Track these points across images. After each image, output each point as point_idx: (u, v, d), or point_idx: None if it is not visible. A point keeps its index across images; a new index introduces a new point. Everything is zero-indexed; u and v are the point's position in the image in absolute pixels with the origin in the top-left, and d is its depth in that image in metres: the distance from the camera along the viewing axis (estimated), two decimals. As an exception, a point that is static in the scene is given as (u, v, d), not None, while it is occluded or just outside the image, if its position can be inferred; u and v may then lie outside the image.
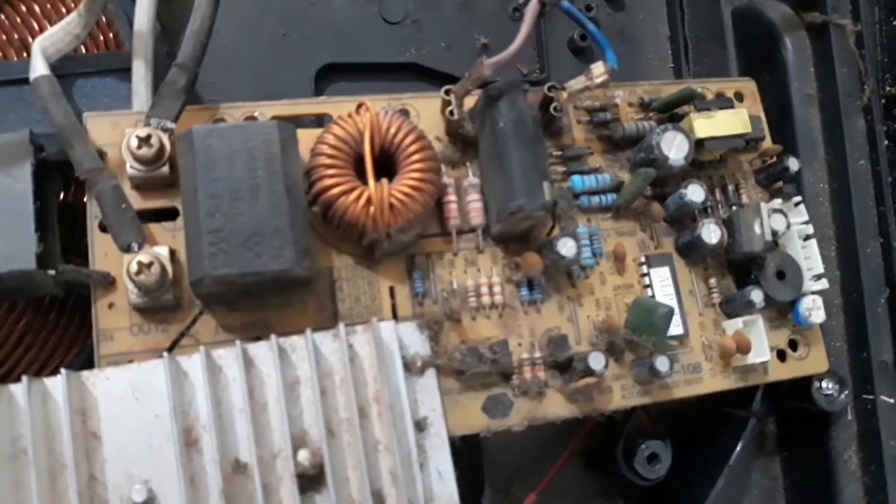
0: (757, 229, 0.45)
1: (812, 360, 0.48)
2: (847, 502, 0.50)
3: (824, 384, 0.49)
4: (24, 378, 0.35)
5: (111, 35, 0.47)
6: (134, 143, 0.40)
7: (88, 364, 0.40)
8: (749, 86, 0.53)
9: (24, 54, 0.47)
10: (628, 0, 0.62)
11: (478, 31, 0.59)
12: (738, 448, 0.47)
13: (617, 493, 0.58)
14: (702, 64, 0.62)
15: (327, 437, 0.37)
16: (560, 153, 0.48)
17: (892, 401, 0.48)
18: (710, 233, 0.45)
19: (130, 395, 0.37)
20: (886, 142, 0.52)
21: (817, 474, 0.51)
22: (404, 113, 0.46)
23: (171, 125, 0.41)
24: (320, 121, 0.47)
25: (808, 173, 0.53)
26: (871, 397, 0.49)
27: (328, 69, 0.57)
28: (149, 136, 0.40)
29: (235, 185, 0.38)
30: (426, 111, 0.47)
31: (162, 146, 0.41)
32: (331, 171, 0.40)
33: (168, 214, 0.42)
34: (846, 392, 0.49)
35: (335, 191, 0.40)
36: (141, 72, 0.44)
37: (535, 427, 0.44)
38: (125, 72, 0.45)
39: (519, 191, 0.42)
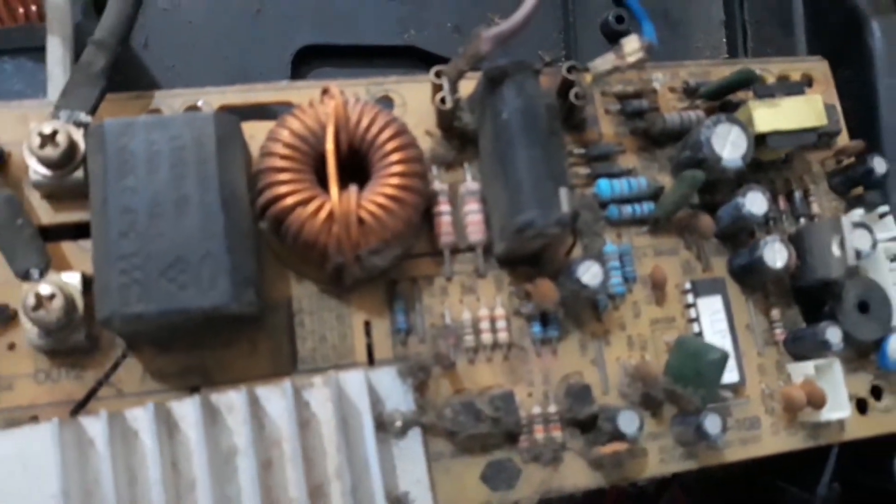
0: (835, 250, 0.35)
1: (902, 415, 0.38)
2: None
3: None
4: None
5: (33, 7, 0.39)
6: (36, 141, 0.31)
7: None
8: (820, 67, 0.43)
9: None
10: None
11: (491, 10, 0.49)
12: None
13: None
14: (763, 55, 0.51)
15: (268, 531, 0.28)
16: (583, 151, 0.38)
17: None
18: (775, 254, 0.36)
19: (19, 468, 0.28)
20: None
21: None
22: (386, 102, 0.37)
23: (85, 118, 0.32)
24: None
25: (897, 181, 0.42)
26: None
27: (309, 52, 0.48)
28: (55, 133, 0.32)
29: (156, 197, 0.30)
30: (415, 99, 0.38)
31: (72, 145, 0.32)
32: (283, 177, 0.31)
33: (87, 230, 0.34)
34: None
35: (288, 201, 0.31)
36: (57, 51, 0.35)
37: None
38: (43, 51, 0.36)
39: (528, 201, 0.32)
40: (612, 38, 0.48)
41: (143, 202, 0.29)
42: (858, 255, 0.36)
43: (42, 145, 0.31)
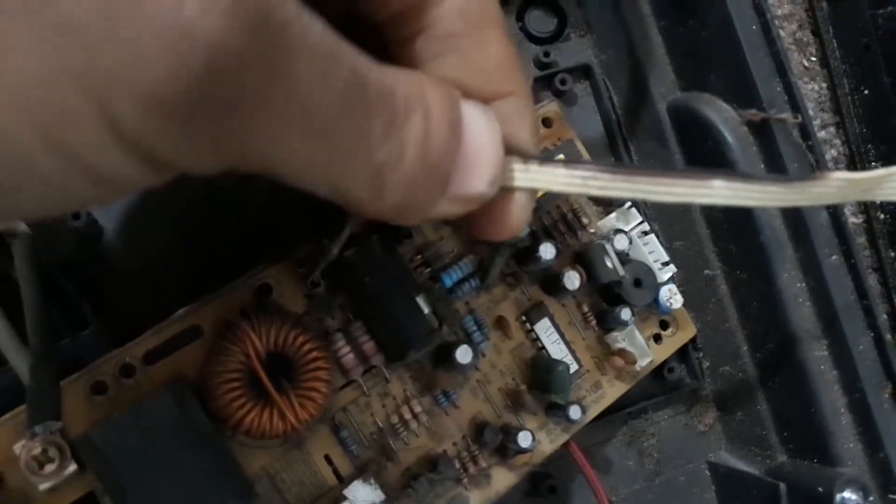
0: (608, 264, 0.51)
1: (682, 332, 0.56)
2: None
3: (847, 494, 0.46)
4: None
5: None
6: (35, 466, 0.39)
7: None
8: (552, 108, 0.55)
9: None
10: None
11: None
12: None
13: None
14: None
15: None
16: (420, 256, 0.49)
17: None
18: (573, 280, 0.50)
19: None
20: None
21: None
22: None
23: (58, 425, 0.40)
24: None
25: (784, 274, 0.52)
26: None
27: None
28: (45, 450, 0.39)
29: (160, 465, 0.39)
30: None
31: (61, 449, 0.40)
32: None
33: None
34: (871, 499, 0.46)
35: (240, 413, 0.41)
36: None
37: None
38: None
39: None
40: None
41: (156, 472, 0.39)
42: (623, 253, 0.51)
43: (40, 466, 0.39)
